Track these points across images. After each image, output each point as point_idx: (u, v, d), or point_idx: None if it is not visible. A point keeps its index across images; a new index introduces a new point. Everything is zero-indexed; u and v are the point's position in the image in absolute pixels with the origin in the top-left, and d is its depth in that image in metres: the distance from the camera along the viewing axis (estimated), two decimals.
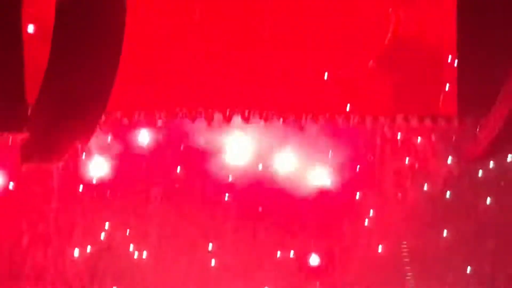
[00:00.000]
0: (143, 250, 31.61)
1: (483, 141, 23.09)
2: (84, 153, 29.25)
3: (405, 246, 32.39)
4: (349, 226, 32.03)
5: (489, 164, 31.95)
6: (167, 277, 30.39)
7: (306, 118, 20.53)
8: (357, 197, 32.26)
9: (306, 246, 32.16)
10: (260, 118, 28.62)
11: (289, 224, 31.90)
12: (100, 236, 31.69)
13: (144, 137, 30.40)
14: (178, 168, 32.25)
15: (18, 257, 29.52)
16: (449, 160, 32.15)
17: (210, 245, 32.11)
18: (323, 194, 30.42)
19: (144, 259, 31.51)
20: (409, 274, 31.96)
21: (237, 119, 20.92)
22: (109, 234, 31.84)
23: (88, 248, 31.08)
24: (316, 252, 31.85)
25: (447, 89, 30.28)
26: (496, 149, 23.03)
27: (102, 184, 30.24)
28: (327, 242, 31.55)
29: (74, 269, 30.11)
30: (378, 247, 32.51)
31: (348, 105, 29.18)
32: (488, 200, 32.53)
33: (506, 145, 26.36)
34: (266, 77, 27.56)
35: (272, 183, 30.88)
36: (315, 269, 32.31)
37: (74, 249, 30.36)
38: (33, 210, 30.59)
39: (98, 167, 29.12)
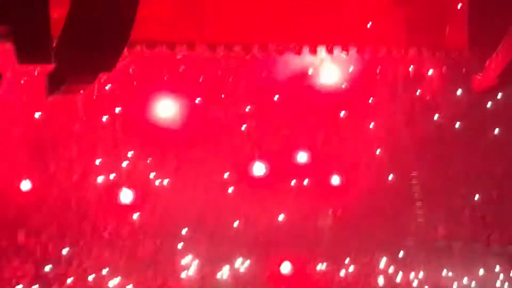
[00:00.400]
0: (164, 178, 31.83)
1: (492, 73, 22.93)
2: (108, 84, 29.25)
3: (415, 175, 32.49)
4: (362, 155, 32.13)
5: (497, 95, 31.90)
6: (186, 204, 30.62)
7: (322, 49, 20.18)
8: (371, 126, 32.31)
9: (320, 175, 32.33)
10: (275, 51, 28.39)
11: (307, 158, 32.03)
12: (122, 164, 31.88)
13: (164, 69, 30.31)
14: (198, 99, 32.33)
15: (44, 184, 29.70)
16: (459, 91, 32.08)
17: (226, 174, 32.33)
18: (337, 124, 30.27)
19: (164, 186, 31.78)
20: (419, 203, 32.15)
21: (255, 51, 20.67)
22: (131, 163, 32.04)
23: (111, 176, 31.33)
24: (328, 182, 32.02)
25: (458, 23, 29.99)
26: (504, 81, 22.87)
27: (124, 114, 30.34)
28: (339, 170, 31.60)
29: (98, 195, 30.40)
30: (389, 175, 32.64)
31: (370, 23, 28.72)
32: (496, 130, 32.50)
33: None
34: (282, 7, 27.16)
35: (287, 112, 30.91)
36: (328, 197, 32.53)
37: (97, 176, 30.60)
38: (59, 139, 30.72)
39: (120, 98, 29.11)
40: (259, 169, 31.20)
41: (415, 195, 32.40)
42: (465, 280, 27.83)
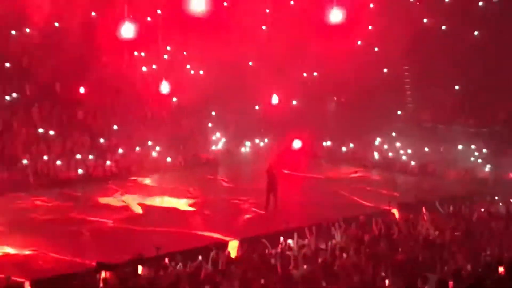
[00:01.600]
0: (198, 69, 31.78)
1: None
2: None
3: (406, 69, 32.17)
4: (360, 52, 31.81)
5: (478, 4, 31.25)
6: (216, 90, 30.58)
7: None
8: (370, 28, 31.81)
9: (327, 71, 32.10)
10: None
11: (316, 55, 31.74)
12: (163, 56, 31.74)
13: None
14: (225, 2, 31.89)
15: (97, 73, 29.35)
16: None
17: (250, 63, 32.21)
18: (343, 25, 29.48)
19: (198, 75, 31.74)
20: (409, 93, 31.89)
21: None
22: (171, 55, 31.88)
23: (154, 66, 31.23)
24: (334, 75, 31.74)
25: None
26: None
27: (164, 15, 29.91)
28: (343, 65, 31.12)
29: (143, 82, 30.32)
30: (383, 69, 32.35)
31: None
32: (476, 33, 31.86)
33: None
34: None
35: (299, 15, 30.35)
36: (333, 86, 32.35)
37: (143, 66, 30.50)
38: (110, 36, 30.21)
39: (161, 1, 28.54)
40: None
41: (405, 86, 32.16)
42: (444, 156, 27.82)
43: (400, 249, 16.06)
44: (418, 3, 31.57)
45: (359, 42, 32.34)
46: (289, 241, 16.79)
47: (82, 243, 18.66)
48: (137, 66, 30.57)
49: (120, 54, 30.38)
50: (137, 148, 27.47)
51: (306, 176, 27.09)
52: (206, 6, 23.53)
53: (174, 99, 30.52)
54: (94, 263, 14.78)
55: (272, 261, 15.19)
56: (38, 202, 22.41)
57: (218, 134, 29.87)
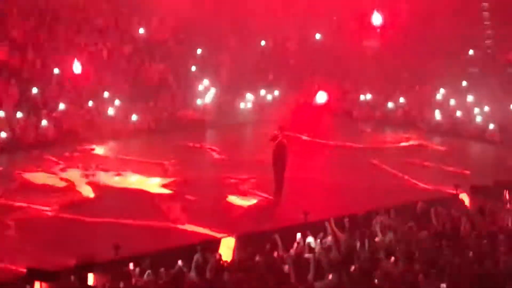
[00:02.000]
0: None
1: None
2: None
3: None
4: None
5: None
6: (202, 16, 30.66)
7: None
8: None
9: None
10: None
11: None
12: None
13: None
14: None
15: None
16: None
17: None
18: None
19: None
20: (487, 23, 31.96)
21: None
22: None
23: None
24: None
25: None
26: None
27: None
28: None
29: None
30: None
31: None
32: None
33: None
34: None
35: None
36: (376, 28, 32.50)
37: None
38: None
39: None
40: None
41: (482, 12, 32.15)
42: None
43: (471, 252, 16.18)
44: None
45: None
46: (309, 239, 16.90)
47: (8, 240, 18.80)
48: None
49: None
50: (89, 103, 27.53)
51: (334, 145, 27.19)
52: None
53: (141, 31, 30.57)
54: (24, 270, 14.90)
55: (285, 267, 15.31)
56: None
57: (205, 83, 29.94)
